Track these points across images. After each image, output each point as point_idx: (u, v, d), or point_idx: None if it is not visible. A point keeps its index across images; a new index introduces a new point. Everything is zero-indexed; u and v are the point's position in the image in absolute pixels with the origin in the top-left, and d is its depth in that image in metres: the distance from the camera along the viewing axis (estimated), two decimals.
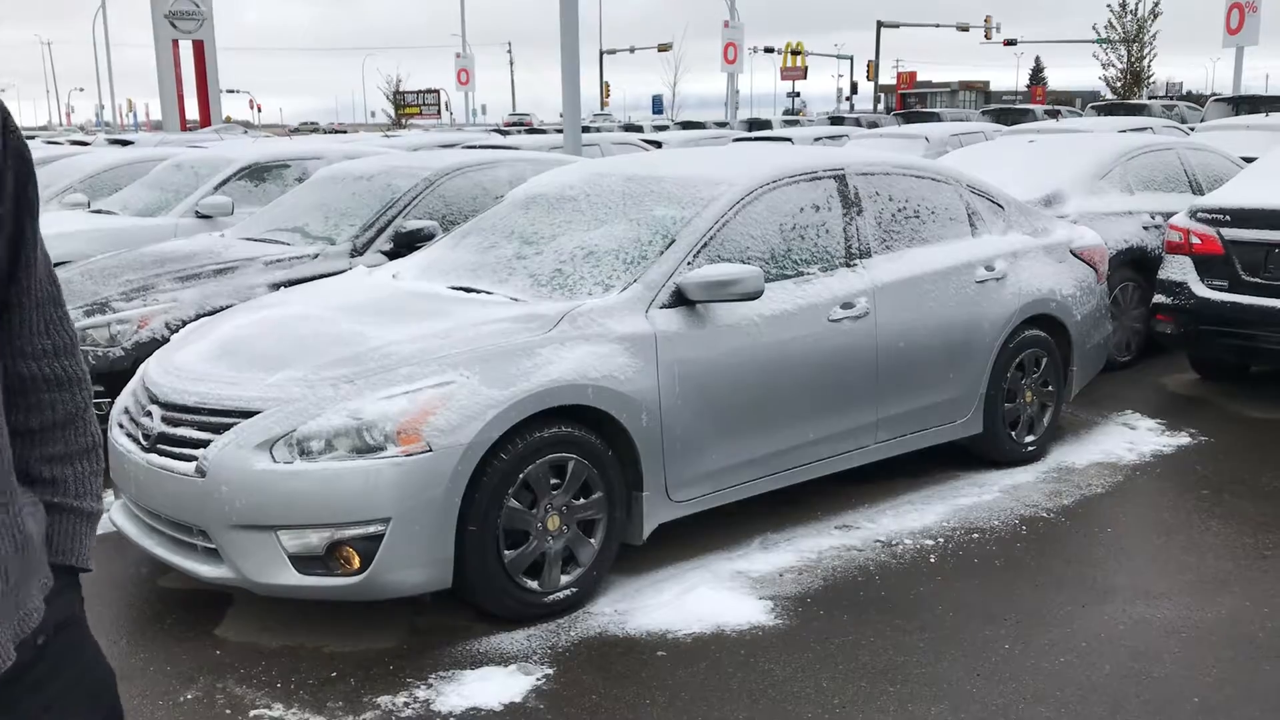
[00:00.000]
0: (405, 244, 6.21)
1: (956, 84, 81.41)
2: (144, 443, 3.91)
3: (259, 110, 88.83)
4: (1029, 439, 5.62)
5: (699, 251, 4.43)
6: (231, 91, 71.95)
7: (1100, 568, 4.32)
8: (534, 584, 3.86)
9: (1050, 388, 5.72)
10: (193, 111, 37.62)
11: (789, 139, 16.18)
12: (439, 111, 63.88)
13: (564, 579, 3.94)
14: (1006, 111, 29.69)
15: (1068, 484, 5.29)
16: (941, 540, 4.58)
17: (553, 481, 3.87)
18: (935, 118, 27.94)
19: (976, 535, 4.64)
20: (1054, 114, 28.69)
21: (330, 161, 8.53)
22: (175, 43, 36.45)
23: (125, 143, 18.15)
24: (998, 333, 5.36)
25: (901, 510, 4.93)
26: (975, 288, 5.29)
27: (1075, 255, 5.94)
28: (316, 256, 6.17)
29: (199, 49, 37.08)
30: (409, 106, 66.67)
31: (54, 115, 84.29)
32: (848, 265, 4.88)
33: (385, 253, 6.27)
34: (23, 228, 1.35)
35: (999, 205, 5.76)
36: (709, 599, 4.02)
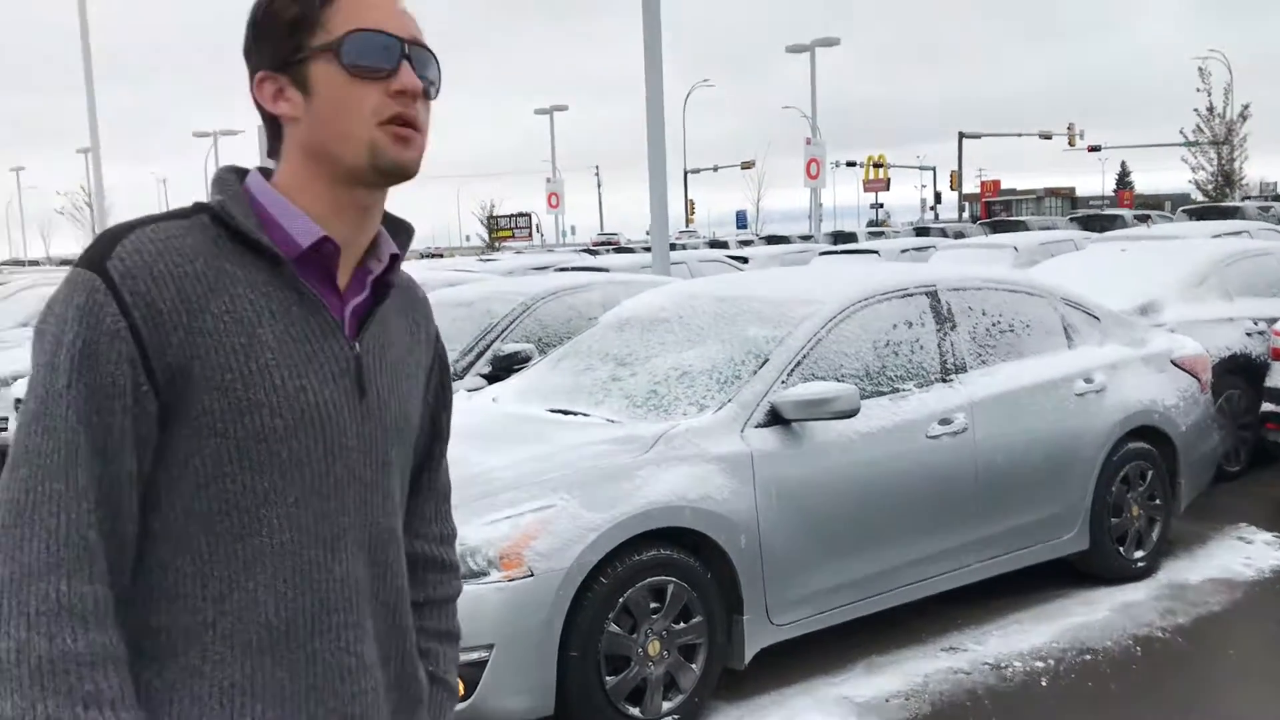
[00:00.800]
0: (503, 367, 6.35)
1: (1041, 190, 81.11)
2: None
3: None
4: (1138, 554, 5.46)
5: (793, 370, 4.46)
6: None
7: (1225, 694, 4.14)
8: (636, 710, 3.83)
9: (1158, 501, 5.56)
10: None
11: (875, 251, 16.24)
12: (530, 234, 65.55)
13: (666, 705, 3.90)
14: (1094, 217, 29.44)
15: (1182, 602, 5.10)
16: (1052, 662, 4.44)
17: (653, 605, 3.86)
18: (1022, 226, 27.78)
19: (1089, 657, 4.49)
20: (1144, 218, 28.39)
21: (432, 289, 8.81)
22: None
23: None
24: (1100, 446, 5.26)
25: (1009, 630, 4.80)
26: (1075, 401, 5.22)
27: (1176, 365, 5.83)
28: None
29: None
30: (502, 230, 68.52)
31: None
32: (944, 381, 4.86)
33: (484, 375, 6.42)
34: (441, 425, 1.53)
35: (1094, 317, 5.71)
36: None
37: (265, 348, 1.19)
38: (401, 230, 1.40)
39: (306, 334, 1.23)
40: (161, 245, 1.18)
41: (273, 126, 1.30)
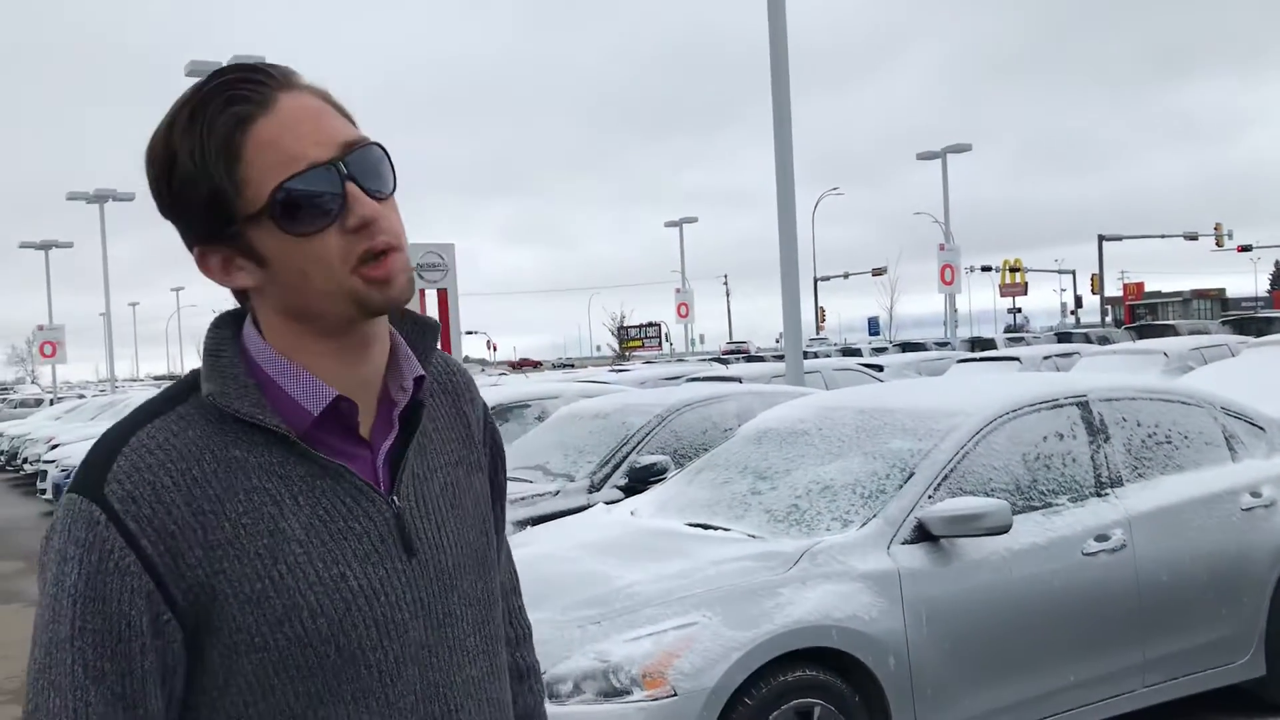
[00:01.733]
0: (640, 478, 6.37)
1: (1189, 292, 78.38)
2: None
3: (494, 349, 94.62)
4: None
5: (939, 485, 4.35)
6: (470, 333, 77.16)
7: None
8: None
9: None
10: None
11: (1016, 359, 15.87)
12: (660, 343, 66.21)
13: None
14: (1249, 320, 28.26)
15: None
16: None
17: None
18: (1171, 330, 26.86)
19: None
20: None
21: (568, 400, 8.95)
22: (422, 292, 39.68)
23: None
24: (1273, 565, 4.95)
25: None
26: (1241, 516, 4.95)
27: None
28: (557, 493, 6.41)
29: (443, 296, 40.12)
30: (632, 340, 69.48)
31: None
32: (1098, 495, 4.67)
33: (620, 487, 6.45)
34: (500, 513, 1.39)
35: (1259, 427, 5.43)
36: None
37: (293, 542, 1.08)
38: (426, 331, 1.27)
39: (336, 510, 1.11)
40: (162, 454, 1.07)
41: (237, 292, 1.17)
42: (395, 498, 1.16)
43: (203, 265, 1.13)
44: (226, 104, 1.08)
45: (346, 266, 1.09)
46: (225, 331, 1.16)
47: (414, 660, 1.14)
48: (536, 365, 48.44)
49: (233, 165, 1.07)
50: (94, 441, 1.11)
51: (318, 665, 1.08)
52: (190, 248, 1.14)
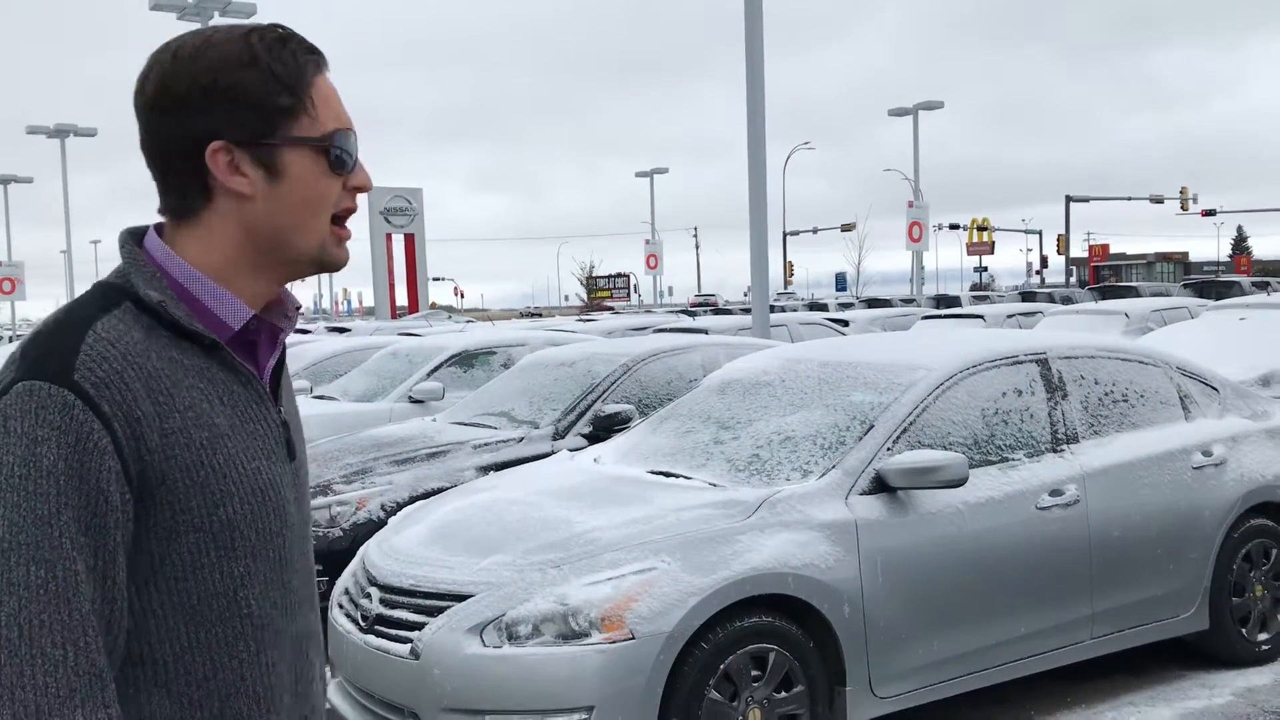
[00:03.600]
0: (604, 427, 6.40)
1: (1153, 255, 79.09)
2: (362, 624, 4.09)
3: (462, 296, 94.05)
4: (1262, 637, 5.22)
5: (899, 437, 4.41)
6: (437, 279, 76.65)
7: None
8: None
9: None
10: (402, 298, 40.20)
11: (980, 316, 15.99)
12: (628, 294, 66.11)
13: None
14: (1209, 284, 28.56)
15: None
16: None
17: (754, 673, 3.82)
18: (1133, 292, 27.09)
19: None
20: (1262, 285, 27.46)
21: (534, 348, 8.95)
22: (389, 236, 39.35)
23: (343, 329, 19.49)
24: (1219, 521, 5.07)
25: (1123, 712, 4.62)
26: (1192, 474, 5.05)
27: None
28: (521, 440, 6.43)
29: (410, 241, 39.89)
30: (600, 290, 69.33)
31: None
32: (1055, 451, 4.76)
33: (585, 435, 6.48)
34: None
35: (1212, 387, 5.54)
36: None
37: (225, 437, 1.21)
38: None
39: (250, 413, 1.26)
40: (122, 347, 1.16)
41: (190, 193, 1.25)
42: (281, 409, 1.33)
43: (213, 158, 1.22)
44: (308, 49, 1.26)
45: (328, 216, 1.27)
46: (135, 247, 1.26)
47: (298, 549, 1.30)
48: (538, 314, 48.31)
49: (307, 90, 1.24)
50: (33, 334, 1.17)
51: (242, 547, 1.21)
52: (205, 140, 1.21)
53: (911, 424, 4.47)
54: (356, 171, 1.29)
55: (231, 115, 1.22)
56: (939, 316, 16.88)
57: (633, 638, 3.61)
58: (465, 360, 9.17)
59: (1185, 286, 29.45)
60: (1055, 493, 4.60)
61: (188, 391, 1.19)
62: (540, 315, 47.14)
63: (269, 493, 1.24)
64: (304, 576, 1.32)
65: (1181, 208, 56.59)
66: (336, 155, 1.26)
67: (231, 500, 1.20)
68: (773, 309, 20.71)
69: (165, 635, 1.17)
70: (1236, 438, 5.32)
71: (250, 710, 1.23)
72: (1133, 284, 32.12)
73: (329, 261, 1.29)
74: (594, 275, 72.88)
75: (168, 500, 1.16)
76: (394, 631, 3.93)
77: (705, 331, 12.14)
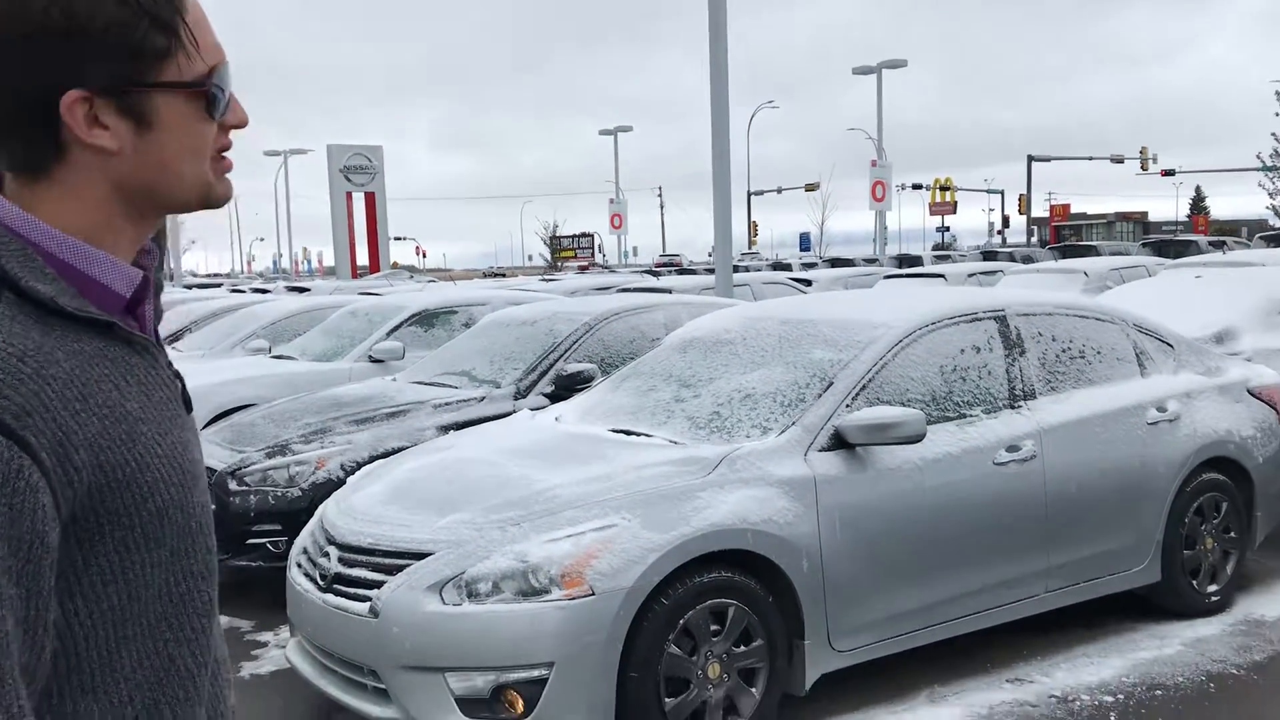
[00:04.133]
0: (566, 386, 6.38)
1: (1113, 215, 79.77)
2: (321, 583, 4.07)
3: (424, 256, 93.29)
4: (1212, 588, 5.32)
5: (858, 394, 4.43)
6: (399, 239, 75.94)
7: None
8: None
9: (1233, 534, 5.42)
10: (363, 258, 39.85)
11: (941, 276, 16.08)
12: (593, 254, 65.90)
13: None
14: (1168, 243, 28.89)
15: (1258, 638, 4.96)
16: (1121, 697, 4.34)
17: (713, 628, 3.85)
18: (1092, 251, 27.34)
19: (1160, 693, 4.38)
20: (1219, 245, 27.79)
21: (495, 308, 8.89)
22: (349, 195, 38.92)
23: (303, 289, 19.30)
24: (1173, 476, 5.14)
25: (1077, 663, 4.70)
26: (1147, 429, 5.11)
27: (1253, 394, 5.69)
28: (483, 399, 6.40)
29: (370, 200, 39.48)
30: (565, 250, 69.05)
31: (237, 264, 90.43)
32: (1012, 407, 4.80)
33: (547, 395, 6.46)
34: None
35: (1168, 344, 5.60)
36: None
37: (140, 422, 1.08)
38: None
39: (151, 382, 1.13)
40: (32, 361, 0.99)
41: (38, 149, 1.07)
42: (172, 363, 1.22)
43: (70, 110, 1.04)
44: None
45: (208, 160, 1.13)
46: None
47: (206, 512, 1.18)
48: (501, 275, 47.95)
49: (184, 23, 1.07)
50: None
51: (171, 531, 1.10)
52: (58, 88, 1.03)
53: (870, 381, 4.49)
54: (232, 108, 1.14)
55: (93, 59, 1.03)
56: (901, 276, 16.97)
57: (593, 594, 3.62)
58: (426, 320, 9.10)
59: (1144, 246, 29.77)
60: (1012, 449, 4.64)
61: (98, 386, 1.05)
62: (503, 275, 46.85)
63: (186, 464, 1.13)
64: (211, 542, 1.20)
65: (1142, 168, 57.04)
66: (214, 95, 1.11)
67: (159, 489, 1.08)
68: (736, 269, 20.71)
69: (91, 641, 1.05)
70: (1191, 394, 5.39)
71: (183, 692, 1.14)
72: (1093, 243, 32.41)
73: (213, 203, 1.16)
74: (557, 235, 72.57)
75: (93, 508, 1.03)
76: (353, 590, 3.92)
77: (669, 291, 12.13)
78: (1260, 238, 27.50)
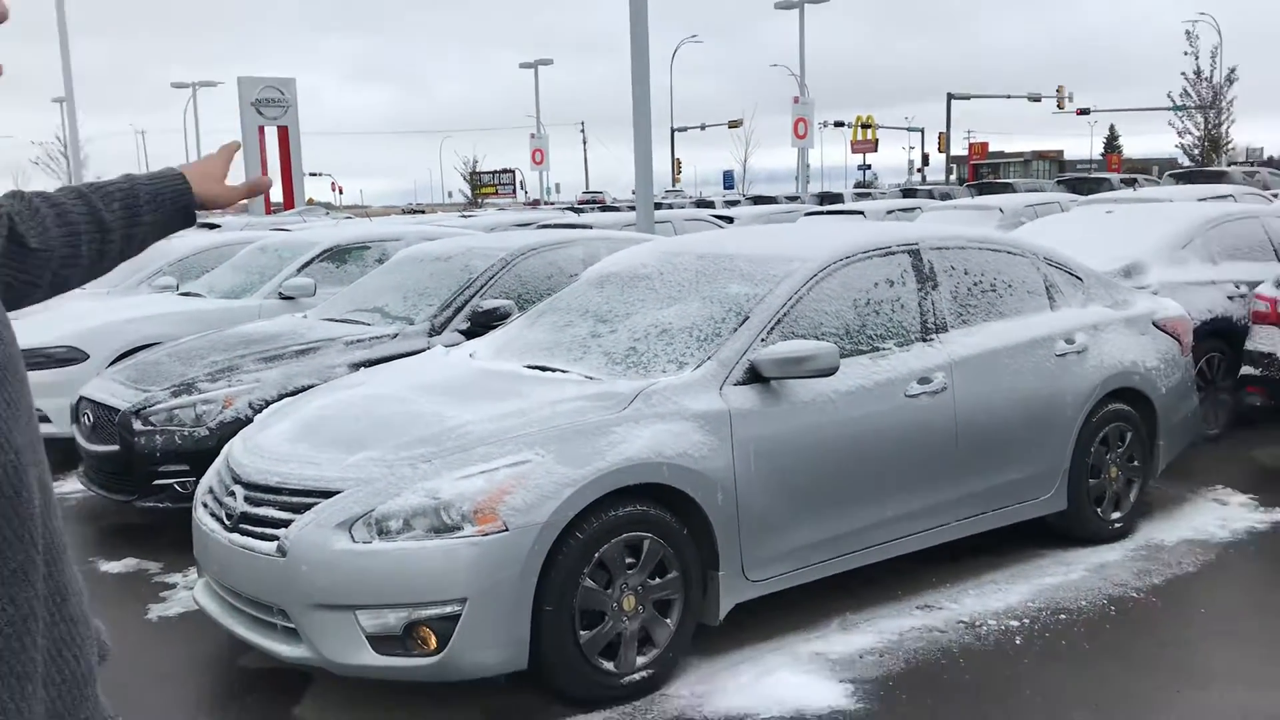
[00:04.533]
0: (482, 323, 6.30)
1: (1030, 154, 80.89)
2: (227, 522, 3.98)
3: (340, 192, 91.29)
4: (1115, 516, 5.47)
5: (773, 328, 4.42)
6: (314, 175, 74.17)
7: (1194, 651, 4.16)
8: (610, 665, 3.82)
9: (1136, 463, 5.57)
10: (277, 194, 38.85)
11: (861, 213, 16.18)
12: (514, 191, 65.16)
13: (640, 660, 3.89)
14: (1082, 181, 29.42)
15: (1157, 562, 5.12)
16: (1027, 621, 4.46)
17: (628, 561, 3.85)
18: (1009, 188, 27.72)
19: (1063, 616, 4.51)
20: (1131, 182, 28.37)
21: (410, 243, 8.72)
22: (261, 129, 37.83)
23: (213, 226, 18.77)
24: (1080, 407, 5.25)
25: (985, 590, 4.81)
26: (1055, 361, 5.20)
27: (1158, 327, 5.82)
28: (396, 336, 6.29)
29: (283, 134, 38.43)
30: (485, 186, 68.17)
31: None
32: (924, 340, 4.84)
33: (462, 331, 6.37)
34: None
35: (1077, 277, 5.68)
36: (788, 682, 3.94)
37: None
38: None
39: None
40: None
41: None
42: None
43: None
44: None
45: None
46: None
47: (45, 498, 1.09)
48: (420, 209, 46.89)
49: None
50: None
51: (8, 513, 1.02)
52: None
53: (785, 315, 4.49)
54: None
55: None
56: (821, 213, 17.04)
57: (506, 529, 3.58)
58: (338, 255, 8.89)
59: (1059, 183, 30.26)
60: (924, 380, 4.69)
61: None
62: (423, 212, 46.10)
63: (9, 453, 1.02)
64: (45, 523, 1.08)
65: (1058, 106, 57.84)
66: None
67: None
68: (659, 206, 20.61)
69: None
70: (1098, 326, 5.49)
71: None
72: (1009, 181, 32.85)
73: None
74: (478, 171, 71.58)
75: None
76: (260, 530, 3.84)
77: (589, 227, 12.02)
78: (1170, 175, 28.13)
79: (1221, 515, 5.81)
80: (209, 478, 4.37)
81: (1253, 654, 4.13)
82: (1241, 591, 4.81)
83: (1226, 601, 4.66)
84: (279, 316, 7.45)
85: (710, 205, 32.16)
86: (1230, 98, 49.07)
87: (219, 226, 18.63)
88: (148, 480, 5.65)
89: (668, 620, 3.95)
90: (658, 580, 3.92)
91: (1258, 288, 6.89)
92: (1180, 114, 49.95)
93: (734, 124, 62.10)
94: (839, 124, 65.13)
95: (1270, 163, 51.58)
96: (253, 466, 4.05)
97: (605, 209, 32.11)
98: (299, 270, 8.62)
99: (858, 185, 57.41)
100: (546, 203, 48.43)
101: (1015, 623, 4.45)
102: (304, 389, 5.54)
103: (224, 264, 9.63)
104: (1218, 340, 7.39)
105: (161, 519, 5.93)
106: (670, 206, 28.18)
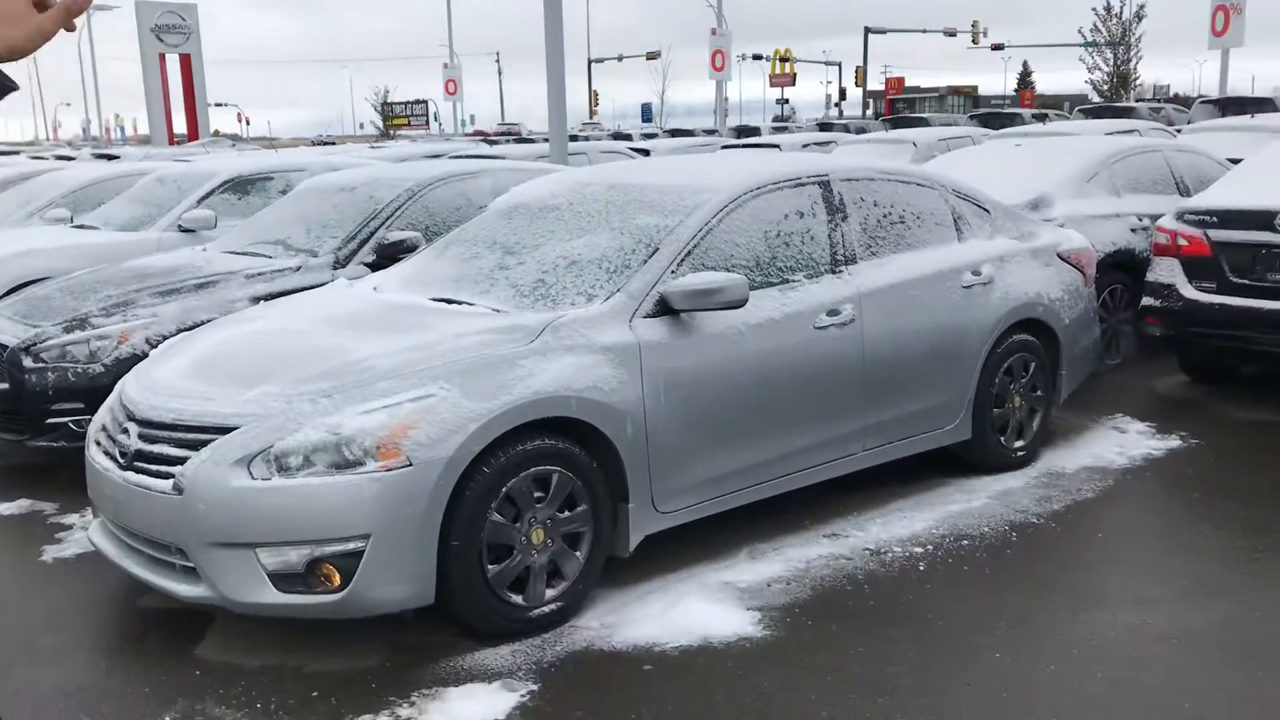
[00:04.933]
0: (388, 255, 6.16)
1: (945, 89, 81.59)
2: (121, 460, 3.85)
3: (247, 124, 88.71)
4: (1018, 444, 5.59)
5: (683, 260, 4.39)
6: (219, 105, 71.84)
7: (1091, 574, 4.29)
8: (519, 599, 3.81)
9: (1039, 392, 5.68)
10: (181, 125, 37.55)
11: (777, 146, 16.15)
12: (427, 122, 63.90)
13: (549, 593, 3.89)
14: (994, 116, 29.74)
15: (1058, 489, 5.26)
16: (931, 548, 4.54)
17: (537, 495, 3.82)
18: (923, 123, 27.94)
19: (966, 542, 4.60)
20: (1042, 118, 28.76)
21: (314, 174, 8.48)
22: (162, 56, 36.42)
23: (111, 157, 18.09)
24: (985, 338, 5.32)
25: (890, 518, 4.89)
26: (962, 293, 5.26)
27: (1062, 259, 5.91)
28: (299, 269, 6.12)
29: (186, 63, 37.06)
30: (397, 118, 66.72)
31: (41, 131, 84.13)
32: (833, 272, 4.84)
33: (368, 264, 6.22)
34: None
35: (985, 209, 5.73)
36: (696, 611, 3.97)
37: None
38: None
39: None
40: None
41: None
42: None
43: None
44: None
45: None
46: None
47: None
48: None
49: None
50: None
51: None
52: None
53: (695, 247, 4.45)
54: None
55: None
56: (738, 146, 16.99)
57: (410, 465, 3.52)
58: (239, 187, 8.61)
59: (972, 118, 30.59)
60: (832, 313, 4.70)
61: None
62: (333, 143, 45.01)
63: None
64: None
65: (973, 41, 58.32)
66: None
67: None
68: (575, 138, 20.35)
69: None
70: (1004, 257, 5.56)
71: None
72: (924, 115, 33.10)
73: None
74: (390, 101, 70.00)
75: None
76: (155, 467, 3.72)
77: (501, 158, 11.81)
78: (1079, 111, 28.59)
79: (1120, 443, 5.97)
80: (101, 415, 4.22)
81: (1146, 576, 4.26)
82: (1137, 516, 4.96)
83: (1123, 526, 4.81)
84: (178, 249, 7.21)
85: (627, 138, 31.86)
86: (1139, 34, 49.94)
87: (118, 158, 17.96)
88: (40, 419, 5.45)
89: (577, 553, 3.94)
90: (567, 513, 3.90)
91: (1159, 220, 7.03)
92: (1090, 50, 50.70)
93: (651, 56, 61.52)
94: (757, 57, 64.93)
95: (1176, 100, 52.72)
96: (146, 403, 3.92)
97: (520, 140, 31.62)
98: (199, 202, 8.33)
99: (775, 119, 57.38)
100: (481, 134, 47.60)
101: (919, 549, 4.53)
102: (203, 324, 5.36)
103: (121, 195, 9.27)
104: (1120, 272, 7.55)
105: (56, 458, 5.74)
106: (587, 139, 27.85)
